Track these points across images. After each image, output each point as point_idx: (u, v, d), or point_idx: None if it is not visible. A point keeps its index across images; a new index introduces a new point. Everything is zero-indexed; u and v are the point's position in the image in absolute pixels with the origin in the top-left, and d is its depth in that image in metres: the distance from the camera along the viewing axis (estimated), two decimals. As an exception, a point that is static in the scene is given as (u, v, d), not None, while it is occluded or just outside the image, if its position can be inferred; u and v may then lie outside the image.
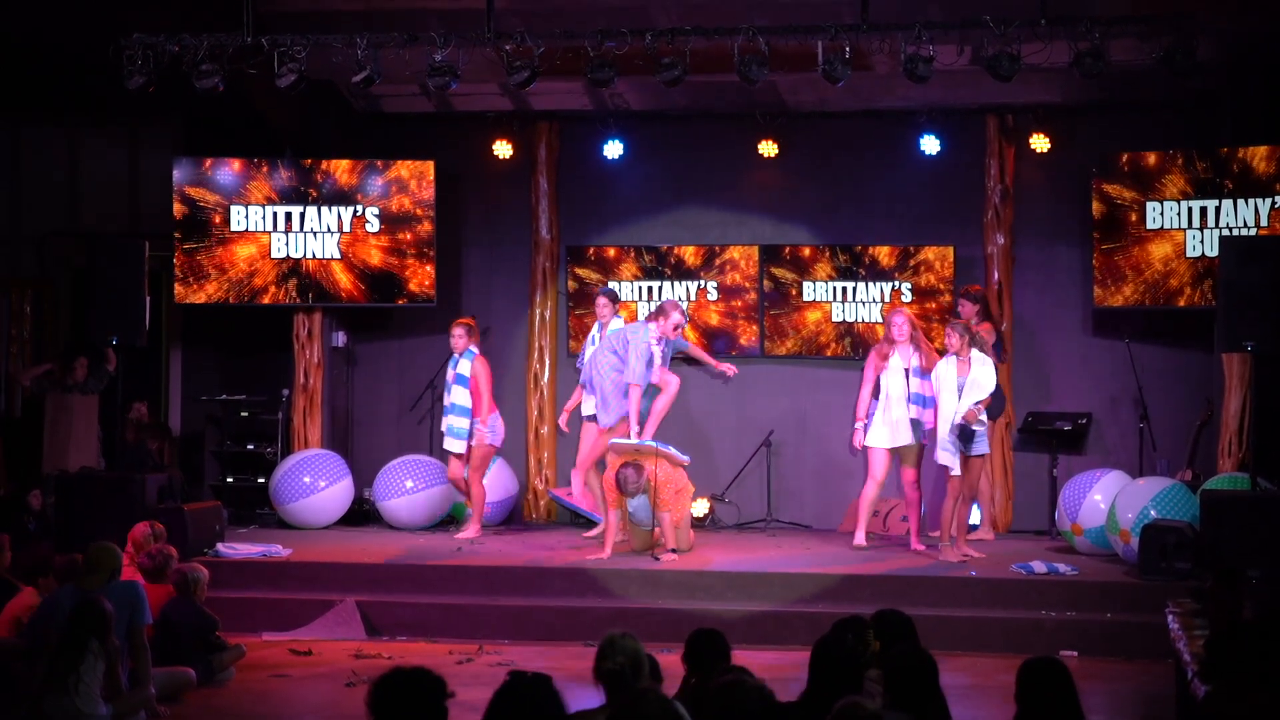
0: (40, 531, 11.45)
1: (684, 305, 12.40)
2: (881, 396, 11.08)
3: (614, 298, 12.06)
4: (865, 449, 11.22)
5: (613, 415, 11.40)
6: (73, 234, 14.23)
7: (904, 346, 11.05)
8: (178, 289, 13.09)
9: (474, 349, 11.71)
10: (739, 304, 13.15)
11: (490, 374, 11.76)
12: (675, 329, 11.58)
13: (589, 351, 11.83)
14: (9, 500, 12.09)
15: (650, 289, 13.13)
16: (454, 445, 11.77)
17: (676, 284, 13.13)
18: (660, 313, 11.53)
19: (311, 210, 13.01)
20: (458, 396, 11.69)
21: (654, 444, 11.14)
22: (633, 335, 11.37)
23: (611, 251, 13.27)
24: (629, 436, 11.25)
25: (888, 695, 5.21)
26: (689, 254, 13.20)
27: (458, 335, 11.71)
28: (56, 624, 7.43)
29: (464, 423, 11.66)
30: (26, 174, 14.68)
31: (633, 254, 13.20)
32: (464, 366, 11.67)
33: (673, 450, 11.13)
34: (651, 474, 10.78)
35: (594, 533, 11.71)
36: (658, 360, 11.43)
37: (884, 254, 12.92)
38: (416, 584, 10.65)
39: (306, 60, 10.82)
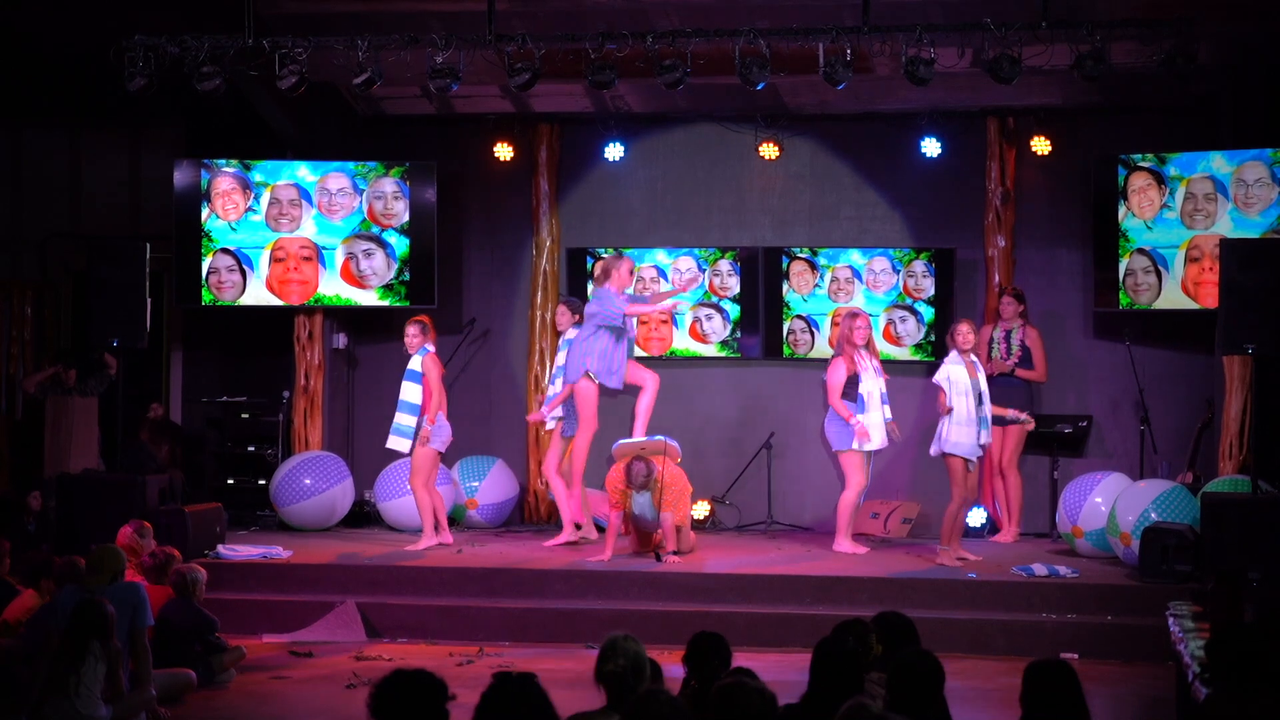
0: (40, 533, 11.46)
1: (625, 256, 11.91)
2: (864, 400, 11.02)
3: (575, 308, 11.82)
4: (842, 455, 11.13)
5: (617, 379, 11.24)
6: (74, 236, 14.24)
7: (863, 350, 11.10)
8: (177, 291, 13.11)
9: (429, 347, 11.43)
10: (740, 306, 13.14)
11: (441, 375, 11.49)
12: (630, 274, 11.48)
13: (560, 356, 11.75)
14: (9, 502, 12.10)
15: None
16: (398, 444, 11.43)
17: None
18: (605, 273, 11.32)
19: (313, 212, 13.01)
20: (408, 393, 11.38)
21: (662, 438, 11.15)
22: (603, 305, 11.20)
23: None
24: (634, 435, 11.28)
25: (889, 698, 5.20)
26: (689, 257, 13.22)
27: (412, 334, 11.40)
28: (57, 626, 7.44)
29: (411, 421, 11.37)
30: (28, 176, 14.69)
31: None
32: (415, 363, 11.38)
33: (675, 443, 11.18)
34: (659, 474, 10.80)
35: (554, 542, 11.60)
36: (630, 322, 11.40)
37: (884, 257, 12.92)
38: (417, 586, 10.66)
39: (308, 62, 10.83)
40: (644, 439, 11.22)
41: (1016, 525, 12.05)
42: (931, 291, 12.83)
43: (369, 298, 13.10)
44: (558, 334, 11.86)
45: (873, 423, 10.99)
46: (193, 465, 13.75)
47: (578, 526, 11.67)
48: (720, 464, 13.04)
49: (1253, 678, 5.26)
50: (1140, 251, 12.21)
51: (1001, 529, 12.15)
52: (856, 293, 12.93)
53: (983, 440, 10.76)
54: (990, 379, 11.12)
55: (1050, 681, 4.95)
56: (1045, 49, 10.26)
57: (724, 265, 13.20)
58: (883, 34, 10.46)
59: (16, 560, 9.32)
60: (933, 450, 10.83)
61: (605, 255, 11.74)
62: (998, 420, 11.14)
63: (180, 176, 13.01)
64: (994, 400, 10.97)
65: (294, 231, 13.04)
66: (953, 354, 10.77)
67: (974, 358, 10.84)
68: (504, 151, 13.40)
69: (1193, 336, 12.29)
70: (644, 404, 11.51)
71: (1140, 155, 12.19)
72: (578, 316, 11.70)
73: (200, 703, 8.44)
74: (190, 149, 13.53)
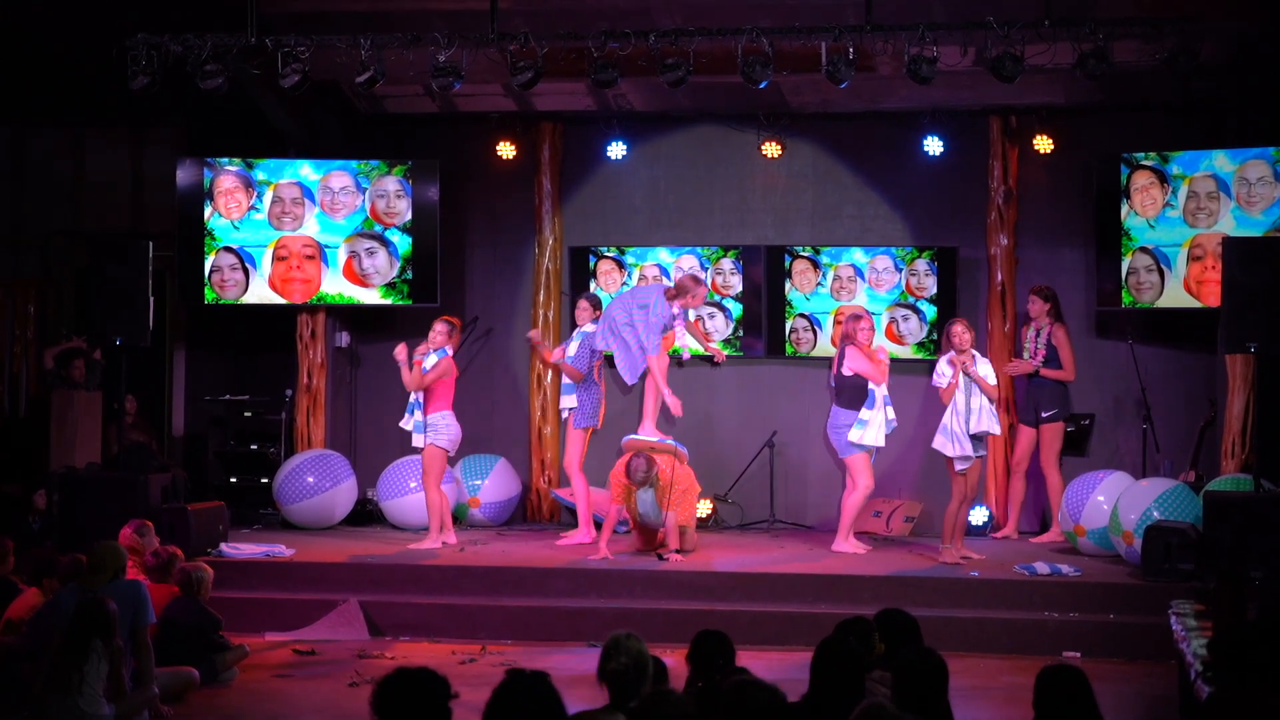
0: (44, 530, 11.47)
1: (700, 275, 12.42)
2: (873, 396, 10.99)
3: (596, 303, 11.89)
4: (849, 459, 11.09)
5: (633, 374, 11.44)
6: (77, 234, 14.25)
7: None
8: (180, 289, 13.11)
9: (448, 349, 11.41)
10: (742, 305, 13.14)
11: (452, 377, 11.43)
12: (700, 301, 11.71)
13: (573, 346, 11.77)
14: (13, 499, 12.11)
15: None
16: (418, 440, 11.46)
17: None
18: (682, 290, 11.44)
19: (315, 210, 13.02)
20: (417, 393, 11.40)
21: (673, 442, 11.17)
22: (650, 308, 11.26)
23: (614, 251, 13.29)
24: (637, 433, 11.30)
25: (895, 696, 5.20)
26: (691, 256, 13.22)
27: (438, 330, 11.40)
28: (60, 624, 7.45)
29: (417, 415, 11.37)
30: (31, 174, 14.70)
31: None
32: (430, 361, 11.34)
33: (685, 449, 11.20)
34: (667, 473, 10.81)
35: (569, 539, 11.59)
36: (672, 331, 11.53)
37: (886, 255, 12.92)
38: (419, 584, 10.67)
39: (310, 61, 10.85)
40: (655, 439, 11.23)
41: (1058, 524, 11.94)
42: (934, 290, 12.83)
43: (371, 296, 13.11)
44: (574, 326, 11.95)
45: (877, 420, 10.99)
46: (196, 464, 13.76)
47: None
48: (723, 462, 13.03)
49: (1255, 676, 5.26)
50: (1143, 250, 12.21)
51: (1004, 526, 12.15)
52: (859, 291, 12.93)
53: (984, 437, 10.75)
54: (1024, 379, 11.13)
55: (1062, 687, 4.94)
56: (1048, 47, 10.27)
57: (726, 264, 13.20)
58: (885, 33, 10.47)
59: (21, 558, 9.33)
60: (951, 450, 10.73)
61: (684, 274, 12.12)
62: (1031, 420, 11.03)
63: (183, 175, 13.02)
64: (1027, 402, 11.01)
65: (297, 230, 13.05)
66: (950, 354, 10.75)
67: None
68: (506, 150, 13.40)
69: (1195, 335, 12.29)
70: (651, 401, 11.52)
71: (1143, 154, 12.19)
72: (598, 313, 11.75)
73: (203, 701, 8.45)
74: (193, 147, 13.53)
